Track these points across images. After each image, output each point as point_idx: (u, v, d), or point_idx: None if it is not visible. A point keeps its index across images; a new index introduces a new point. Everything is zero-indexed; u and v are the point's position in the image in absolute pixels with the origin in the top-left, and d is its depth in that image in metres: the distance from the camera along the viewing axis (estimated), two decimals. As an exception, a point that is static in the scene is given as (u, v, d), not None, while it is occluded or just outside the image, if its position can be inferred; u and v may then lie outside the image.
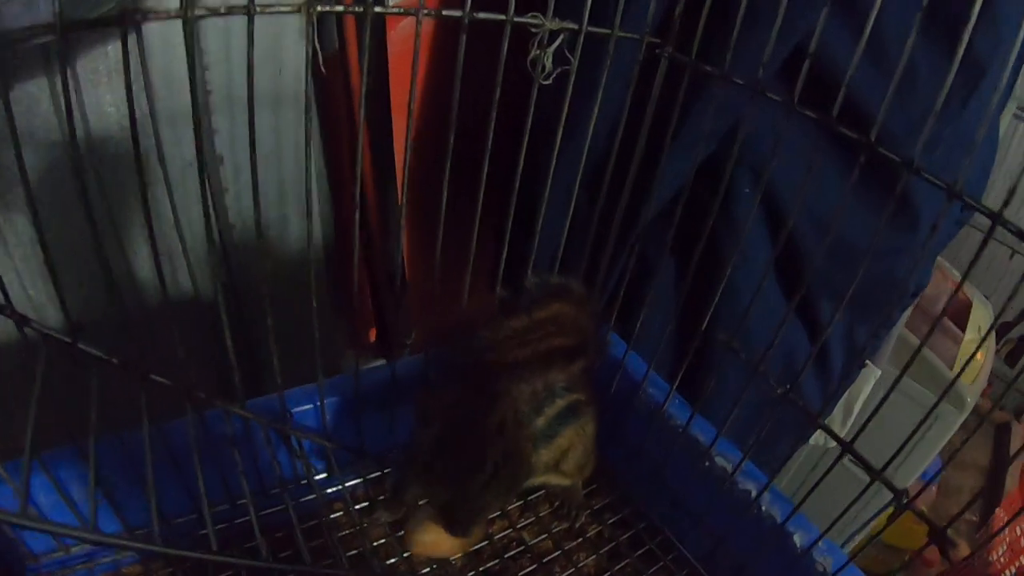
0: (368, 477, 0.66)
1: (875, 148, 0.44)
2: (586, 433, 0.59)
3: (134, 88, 0.48)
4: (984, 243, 0.42)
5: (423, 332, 0.64)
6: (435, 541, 0.52)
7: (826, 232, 0.71)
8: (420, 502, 0.53)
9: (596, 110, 0.57)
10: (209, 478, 0.51)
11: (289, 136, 0.90)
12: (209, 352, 0.85)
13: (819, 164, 0.65)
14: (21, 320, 0.39)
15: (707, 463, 0.60)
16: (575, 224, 0.62)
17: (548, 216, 0.60)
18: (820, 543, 0.55)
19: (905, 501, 0.48)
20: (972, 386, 1.42)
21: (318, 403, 0.60)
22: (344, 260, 1.00)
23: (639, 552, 0.63)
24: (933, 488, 1.82)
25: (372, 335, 1.06)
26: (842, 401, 1.10)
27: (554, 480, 0.60)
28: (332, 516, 0.63)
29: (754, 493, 0.57)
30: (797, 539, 0.56)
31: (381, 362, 1.11)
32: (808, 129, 0.50)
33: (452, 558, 0.59)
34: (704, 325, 0.58)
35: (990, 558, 1.54)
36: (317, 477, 0.63)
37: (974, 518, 1.85)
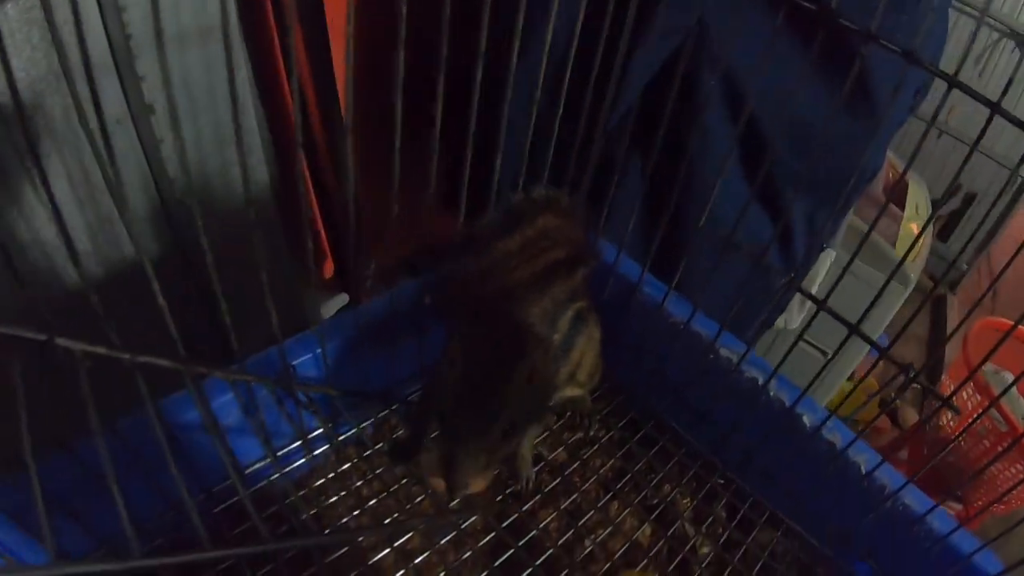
0: (377, 418, 0.64)
1: (835, 19, 0.44)
2: (594, 339, 0.58)
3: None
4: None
5: (381, 261, 0.61)
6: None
7: (786, 116, 0.72)
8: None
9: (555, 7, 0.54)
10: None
11: (222, 74, 0.84)
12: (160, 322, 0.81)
13: (779, 47, 0.65)
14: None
15: (711, 356, 0.60)
16: (538, 132, 0.60)
17: (510, 128, 0.58)
18: (829, 422, 0.56)
19: (912, 374, 0.50)
20: (914, 263, 1.48)
21: (317, 351, 0.56)
22: (292, 197, 0.95)
23: (652, 451, 0.64)
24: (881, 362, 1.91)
25: (329, 271, 1.03)
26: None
27: (569, 392, 0.60)
28: (341, 468, 0.61)
29: (761, 380, 0.58)
30: (806, 420, 0.57)
31: (343, 297, 1.08)
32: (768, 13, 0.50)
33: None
34: (674, 210, 0.58)
35: (939, 423, 1.63)
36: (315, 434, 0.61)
37: (918, 386, 1.95)
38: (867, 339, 0.53)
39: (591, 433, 0.65)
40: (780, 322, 1.33)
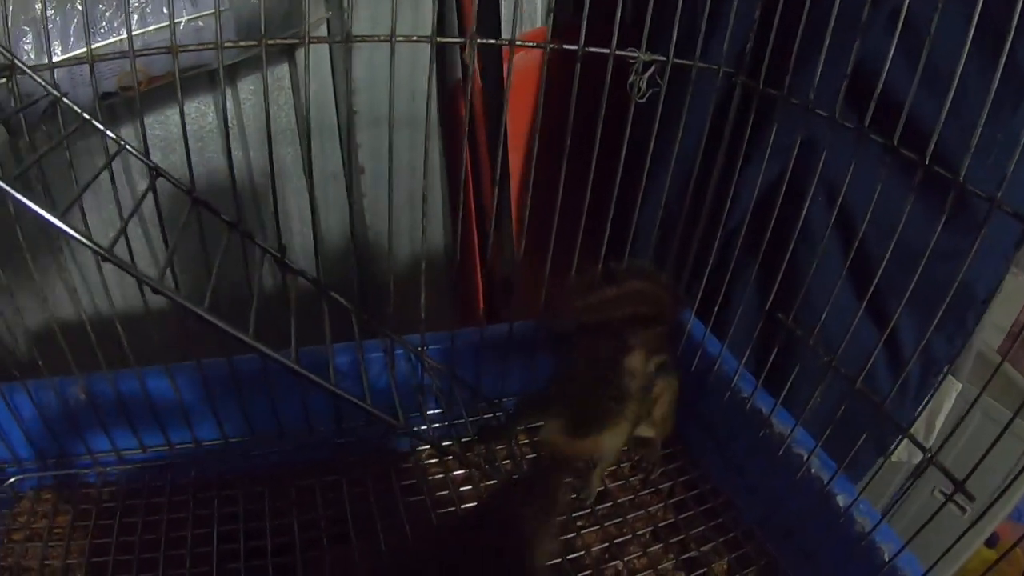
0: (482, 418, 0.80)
1: (930, 167, 0.53)
2: (672, 387, 0.70)
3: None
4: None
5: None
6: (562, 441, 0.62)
7: (890, 235, 0.78)
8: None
9: (681, 129, 0.69)
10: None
11: (421, 152, 1.07)
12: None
13: (884, 178, 0.72)
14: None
15: (765, 431, 0.69)
16: (665, 228, 0.74)
17: (641, 223, 0.72)
18: (859, 504, 0.62)
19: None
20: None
21: (447, 345, 0.75)
22: (461, 265, 1.14)
23: (703, 507, 0.73)
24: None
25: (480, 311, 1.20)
26: (924, 416, 1.13)
27: (644, 430, 0.71)
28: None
29: (805, 456, 0.65)
30: (840, 500, 0.63)
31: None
32: (863, 142, 0.58)
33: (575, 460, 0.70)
34: (770, 308, 0.67)
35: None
36: (433, 412, 0.79)
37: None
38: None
39: (652, 477, 0.76)
40: (903, 454, 1.30)
